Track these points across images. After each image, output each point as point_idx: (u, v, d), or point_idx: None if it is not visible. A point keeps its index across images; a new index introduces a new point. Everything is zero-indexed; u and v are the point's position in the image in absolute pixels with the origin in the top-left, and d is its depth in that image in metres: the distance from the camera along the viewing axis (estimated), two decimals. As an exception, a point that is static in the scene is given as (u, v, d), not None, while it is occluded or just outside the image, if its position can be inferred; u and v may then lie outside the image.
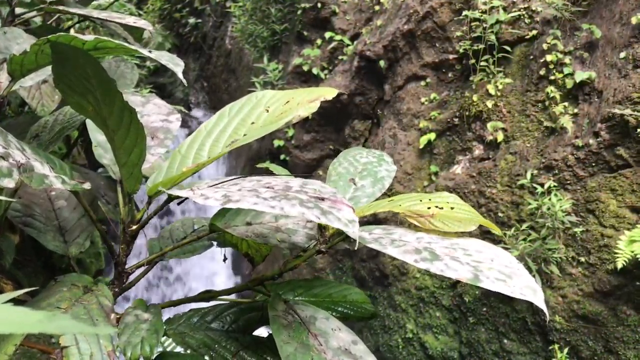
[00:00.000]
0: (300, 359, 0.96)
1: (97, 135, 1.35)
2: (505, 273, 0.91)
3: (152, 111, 1.47)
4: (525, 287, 0.89)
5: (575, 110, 3.86)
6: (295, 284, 1.39)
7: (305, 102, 1.17)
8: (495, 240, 3.90)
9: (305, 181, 1.01)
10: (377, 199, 1.34)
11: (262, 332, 1.34)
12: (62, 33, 1.03)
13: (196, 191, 0.99)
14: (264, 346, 1.26)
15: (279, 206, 0.87)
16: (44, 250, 3.45)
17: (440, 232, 1.06)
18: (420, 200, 1.13)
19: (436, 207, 1.10)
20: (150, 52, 1.03)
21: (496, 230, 1.15)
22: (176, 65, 1.05)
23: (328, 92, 1.19)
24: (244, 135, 1.19)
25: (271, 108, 1.21)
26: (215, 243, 1.54)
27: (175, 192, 1.01)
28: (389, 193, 4.72)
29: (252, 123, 1.21)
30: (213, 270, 6.33)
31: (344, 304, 1.40)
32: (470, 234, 1.08)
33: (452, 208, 1.10)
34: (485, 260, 0.94)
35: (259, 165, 1.49)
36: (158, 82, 8.54)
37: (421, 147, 4.74)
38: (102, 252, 4.26)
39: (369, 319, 1.41)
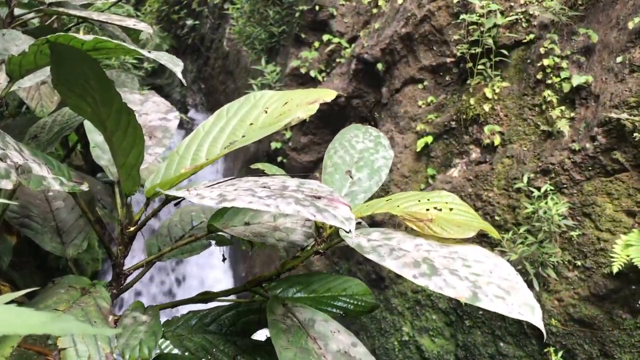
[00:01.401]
0: (299, 364, 0.95)
1: (95, 136, 1.35)
2: (503, 288, 0.89)
3: (151, 109, 1.47)
4: (524, 305, 0.87)
5: (572, 114, 3.87)
6: (293, 280, 1.38)
7: (304, 103, 1.16)
8: (492, 243, 3.90)
9: (302, 181, 1.01)
10: (374, 194, 1.33)
11: (260, 334, 1.33)
12: (61, 33, 1.03)
13: (192, 191, 0.99)
14: (262, 350, 1.26)
15: (274, 204, 0.87)
16: (40, 252, 3.44)
17: (440, 237, 1.05)
18: (419, 200, 1.12)
19: (435, 208, 1.09)
20: (149, 52, 1.03)
21: (495, 234, 1.14)
22: (175, 65, 1.05)
23: (327, 94, 1.19)
24: (243, 136, 1.19)
25: (270, 109, 1.21)
26: (213, 243, 1.54)
27: (172, 192, 1.01)
28: (385, 196, 4.72)
29: (251, 124, 1.20)
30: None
31: (343, 297, 1.38)
32: (467, 241, 1.07)
33: (450, 209, 1.09)
34: (484, 273, 0.92)
35: (253, 166, 1.48)
36: (155, 83, 8.53)
37: (418, 150, 4.75)
38: (100, 258, 4.25)
39: (370, 312, 1.39)
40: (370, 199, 1.30)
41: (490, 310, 0.86)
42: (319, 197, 0.91)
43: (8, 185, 0.84)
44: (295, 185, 0.97)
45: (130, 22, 1.48)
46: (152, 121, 1.45)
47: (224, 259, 1.80)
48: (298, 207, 0.86)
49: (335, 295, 1.41)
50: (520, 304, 0.87)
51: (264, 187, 0.95)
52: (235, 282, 6.36)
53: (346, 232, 0.85)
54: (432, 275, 0.91)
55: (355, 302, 1.40)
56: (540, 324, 0.85)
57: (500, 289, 0.89)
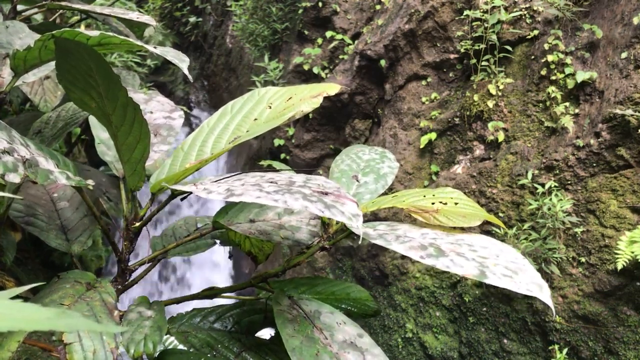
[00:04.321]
0: (305, 352, 0.95)
1: (99, 133, 1.35)
2: (511, 269, 0.90)
3: (155, 108, 1.47)
4: (532, 283, 0.88)
5: (576, 111, 3.86)
6: (298, 282, 1.39)
7: (308, 97, 1.16)
8: (496, 239, 3.89)
9: (308, 177, 1.01)
10: (380, 196, 1.33)
11: (265, 333, 1.33)
12: (66, 28, 1.02)
13: (199, 186, 0.98)
14: (267, 348, 1.26)
15: (282, 200, 0.86)
16: (44, 248, 3.45)
17: (445, 227, 1.06)
18: (424, 196, 1.13)
19: (440, 202, 1.09)
20: (155, 47, 1.02)
21: (499, 224, 1.15)
22: (181, 61, 1.04)
23: (330, 88, 1.18)
24: (247, 131, 1.18)
25: (274, 104, 1.20)
26: (218, 241, 1.53)
27: (178, 187, 1.01)
28: (390, 193, 4.71)
29: (255, 119, 1.20)
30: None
31: (347, 301, 1.39)
32: (472, 231, 1.07)
33: (456, 203, 1.09)
34: (490, 256, 0.93)
35: (262, 163, 1.49)
36: (158, 80, 8.53)
37: (422, 146, 4.74)
38: (103, 255, 4.26)
39: (372, 316, 1.41)
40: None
41: (496, 287, 0.87)
42: (326, 193, 0.91)
43: (16, 178, 0.83)
44: (302, 181, 0.97)
45: (134, 15, 1.47)
46: (157, 119, 1.45)
47: (230, 256, 1.80)
48: (306, 202, 0.85)
49: (339, 298, 1.42)
50: (528, 282, 0.89)
51: (271, 182, 0.95)
52: (238, 279, 6.37)
53: (354, 228, 0.84)
54: (439, 256, 0.93)
55: (358, 306, 1.41)
56: (548, 301, 0.86)
57: (508, 269, 0.90)
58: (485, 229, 4.02)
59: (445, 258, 0.91)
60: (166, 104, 1.49)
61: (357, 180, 1.36)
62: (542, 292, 0.87)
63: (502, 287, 0.86)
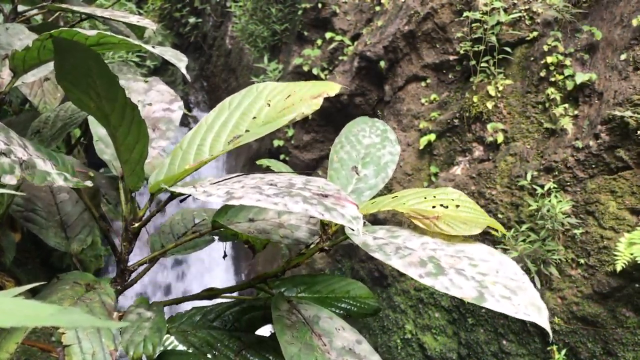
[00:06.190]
0: None
1: (98, 130, 1.34)
2: (510, 287, 0.88)
3: (155, 99, 1.46)
4: (530, 305, 0.86)
5: (576, 112, 3.86)
6: (297, 280, 1.38)
7: (308, 98, 1.15)
8: (495, 241, 3.89)
9: (308, 178, 1.01)
10: (380, 191, 1.33)
11: (265, 331, 1.33)
12: (64, 28, 1.02)
13: (199, 188, 0.98)
14: (267, 345, 1.25)
15: (282, 203, 0.86)
16: (43, 248, 3.44)
17: (446, 236, 1.04)
18: (425, 198, 1.11)
19: (441, 205, 1.08)
20: (153, 47, 1.02)
21: (501, 229, 1.14)
22: (179, 60, 1.04)
23: (331, 88, 1.17)
24: (246, 131, 1.18)
25: (272, 102, 1.19)
26: (216, 238, 1.53)
27: (178, 189, 1.01)
28: (389, 193, 4.71)
29: (254, 117, 1.18)
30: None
31: (347, 299, 1.39)
32: (473, 239, 1.06)
33: (457, 206, 1.08)
34: (490, 272, 0.92)
35: (259, 162, 1.48)
36: (157, 81, 8.51)
37: (421, 147, 4.74)
38: (102, 254, 4.25)
39: (373, 314, 1.40)
40: (376, 196, 1.30)
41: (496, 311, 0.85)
42: (326, 196, 0.90)
43: (12, 180, 0.83)
44: (301, 183, 0.96)
45: (134, 19, 1.47)
46: (156, 112, 1.44)
47: (224, 256, 1.80)
48: (306, 205, 0.85)
49: (339, 297, 1.41)
50: (526, 304, 0.87)
51: (271, 184, 0.95)
52: (237, 280, 6.36)
53: (352, 231, 0.84)
54: (438, 274, 0.91)
55: (358, 305, 1.40)
56: (546, 325, 0.84)
57: (507, 289, 0.88)
58: (484, 230, 4.02)
59: (445, 277, 0.89)
60: (166, 93, 1.48)
61: (357, 173, 1.35)
62: (540, 315, 0.85)
63: (499, 311, 0.84)
